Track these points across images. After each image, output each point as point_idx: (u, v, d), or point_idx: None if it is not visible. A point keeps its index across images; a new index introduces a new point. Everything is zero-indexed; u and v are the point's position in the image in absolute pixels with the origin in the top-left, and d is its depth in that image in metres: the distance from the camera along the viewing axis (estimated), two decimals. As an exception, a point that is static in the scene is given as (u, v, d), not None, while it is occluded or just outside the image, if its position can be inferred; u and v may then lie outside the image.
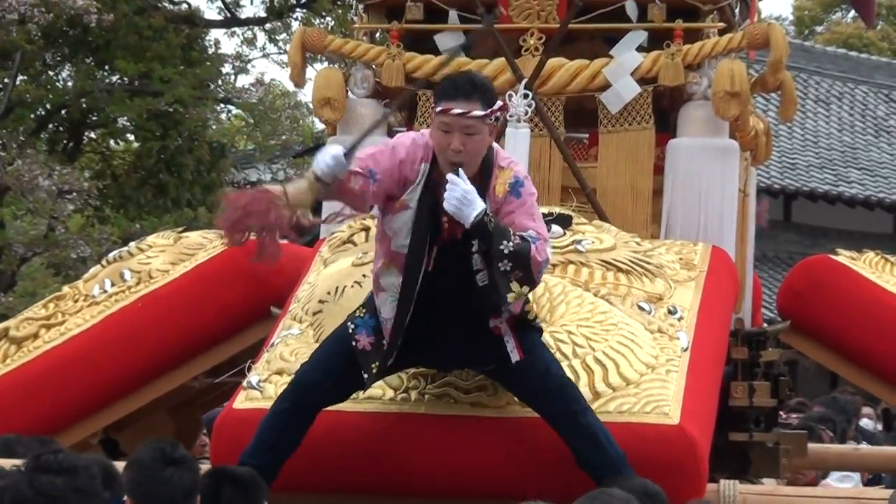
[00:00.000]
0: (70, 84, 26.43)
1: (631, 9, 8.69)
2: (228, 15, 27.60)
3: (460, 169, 6.11)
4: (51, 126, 29.00)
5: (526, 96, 8.28)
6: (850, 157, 35.04)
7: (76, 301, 8.83)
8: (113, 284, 8.90)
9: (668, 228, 8.51)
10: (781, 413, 9.85)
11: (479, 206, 6.09)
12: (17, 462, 5.15)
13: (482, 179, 6.26)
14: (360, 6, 9.40)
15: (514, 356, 6.32)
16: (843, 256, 9.21)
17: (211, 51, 28.42)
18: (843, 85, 36.57)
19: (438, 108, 6.30)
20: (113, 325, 8.49)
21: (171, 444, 5.49)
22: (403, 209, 6.37)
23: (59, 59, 24.04)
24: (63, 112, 28.19)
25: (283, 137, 30.95)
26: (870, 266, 8.92)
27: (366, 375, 6.39)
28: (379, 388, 6.77)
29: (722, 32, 8.89)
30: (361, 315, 6.54)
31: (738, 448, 7.91)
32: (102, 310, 8.61)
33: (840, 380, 15.58)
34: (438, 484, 6.76)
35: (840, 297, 8.65)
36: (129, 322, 8.53)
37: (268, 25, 27.08)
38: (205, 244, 9.44)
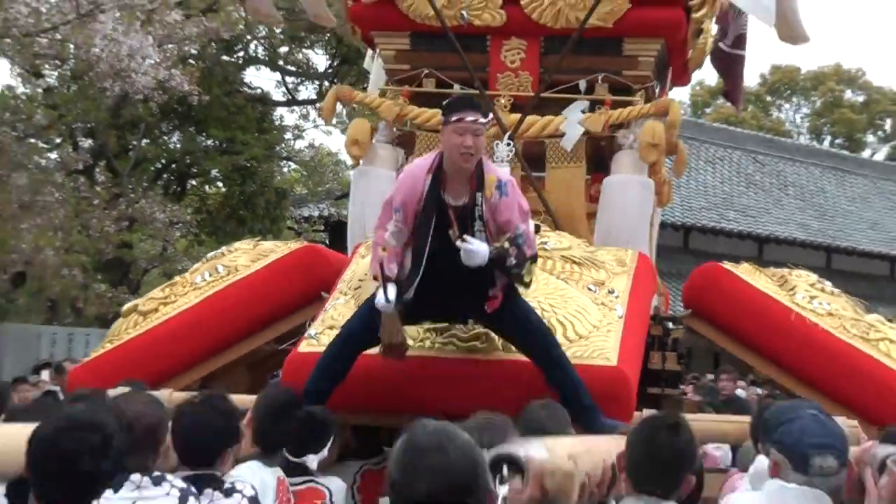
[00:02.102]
0: (178, 145, 26.57)
1: (582, 85, 8.83)
2: (290, 97, 27.75)
3: (465, 236, 6.35)
4: (165, 175, 29.36)
5: (508, 144, 8.53)
6: (729, 202, 35.93)
7: (184, 287, 8.74)
8: (210, 275, 8.88)
9: (601, 240, 8.62)
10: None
11: (484, 252, 6.34)
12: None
13: (476, 183, 6.49)
14: (391, 79, 9.49)
15: (492, 308, 6.58)
16: (728, 264, 9.32)
17: (277, 123, 28.67)
18: (724, 150, 37.39)
19: (454, 118, 6.49)
20: (209, 304, 8.47)
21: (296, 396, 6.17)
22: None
23: (171, 127, 24.15)
24: (173, 165, 28.52)
25: (328, 185, 31.22)
26: (746, 272, 8.99)
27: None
28: (409, 338, 6.98)
29: (647, 100, 9.01)
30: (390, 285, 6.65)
31: (654, 399, 8.00)
32: (203, 293, 8.60)
33: (722, 359, 15.68)
34: (444, 405, 6.64)
35: (725, 292, 8.67)
36: (221, 302, 8.52)
37: (318, 105, 27.26)
38: (275, 249, 9.37)
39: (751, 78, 43.11)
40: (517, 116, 8.75)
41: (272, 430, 6.10)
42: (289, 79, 28.81)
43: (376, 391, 7.02)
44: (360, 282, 7.60)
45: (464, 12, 7.45)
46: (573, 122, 8.72)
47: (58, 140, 24.03)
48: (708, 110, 38.40)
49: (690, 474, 4.81)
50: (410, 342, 7.00)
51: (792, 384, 8.15)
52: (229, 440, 5.05)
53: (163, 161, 28.04)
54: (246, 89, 26.75)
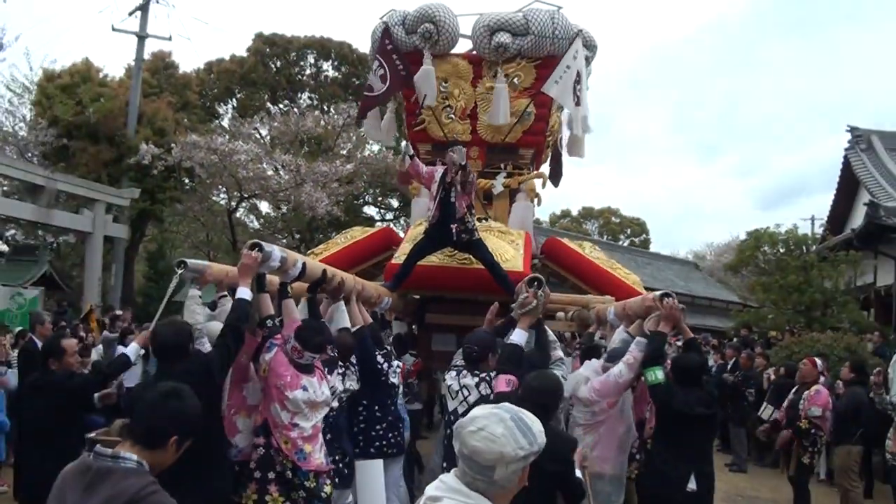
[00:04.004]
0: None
1: (503, 166, 8.81)
2: (382, 218, 26.95)
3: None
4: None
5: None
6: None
7: (334, 244, 8.79)
8: (343, 239, 8.89)
9: (514, 227, 8.29)
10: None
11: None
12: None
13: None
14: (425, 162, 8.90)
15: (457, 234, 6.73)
16: (558, 238, 9.72)
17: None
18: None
19: (450, 148, 6.73)
20: (344, 250, 8.55)
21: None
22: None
23: (331, 231, 22.80)
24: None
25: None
26: (567, 241, 9.37)
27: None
28: (437, 259, 7.15)
29: (528, 173, 8.88)
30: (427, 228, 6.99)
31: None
32: (340, 245, 8.68)
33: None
34: (456, 288, 7.29)
35: (557, 248, 8.91)
36: (349, 249, 8.60)
37: (394, 221, 26.91)
38: (372, 229, 9.53)
39: (574, 210, 43.83)
40: (482, 180, 8.56)
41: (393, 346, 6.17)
42: (382, 210, 27.24)
43: (425, 280, 7.20)
44: (414, 239, 7.38)
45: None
46: (498, 183, 8.70)
47: (285, 235, 23.63)
48: (556, 224, 38.78)
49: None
50: (437, 261, 7.13)
51: (584, 285, 8.35)
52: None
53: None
54: (363, 215, 25.41)
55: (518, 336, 4.09)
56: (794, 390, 7.84)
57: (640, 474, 5.01)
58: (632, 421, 4.89)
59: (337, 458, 4.43)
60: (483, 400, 4.15)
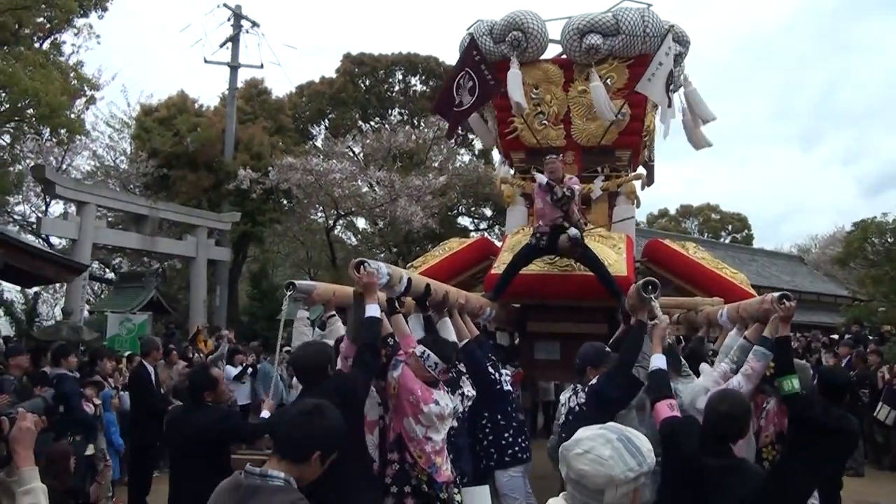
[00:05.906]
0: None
1: (600, 168, 8.55)
2: (476, 228, 27.01)
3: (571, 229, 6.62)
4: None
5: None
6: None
7: (432, 256, 8.66)
8: (441, 251, 8.77)
9: (616, 230, 8.20)
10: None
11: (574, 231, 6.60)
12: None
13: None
14: (517, 172, 8.95)
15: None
16: (659, 239, 9.38)
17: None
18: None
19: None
20: (442, 262, 8.39)
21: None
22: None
23: (427, 243, 21.87)
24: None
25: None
26: (668, 242, 9.04)
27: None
28: (537, 266, 7.13)
29: (626, 174, 8.63)
30: (536, 235, 6.83)
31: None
32: (438, 257, 8.52)
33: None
34: (560, 295, 7.17)
35: (660, 250, 8.62)
36: (446, 261, 8.43)
37: (487, 231, 26.83)
38: (469, 240, 9.48)
39: (672, 210, 42.18)
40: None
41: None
42: (476, 220, 26.97)
43: (527, 289, 7.18)
44: (512, 248, 7.49)
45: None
46: (597, 185, 8.46)
47: (383, 250, 23.59)
48: (654, 224, 37.37)
49: None
50: (537, 269, 7.10)
51: (690, 286, 7.96)
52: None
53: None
54: (458, 226, 24.99)
55: (658, 360, 3.91)
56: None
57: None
58: (751, 431, 4.53)
59: (456, 479, 4.40)
60: (570, 412, 4.27)
